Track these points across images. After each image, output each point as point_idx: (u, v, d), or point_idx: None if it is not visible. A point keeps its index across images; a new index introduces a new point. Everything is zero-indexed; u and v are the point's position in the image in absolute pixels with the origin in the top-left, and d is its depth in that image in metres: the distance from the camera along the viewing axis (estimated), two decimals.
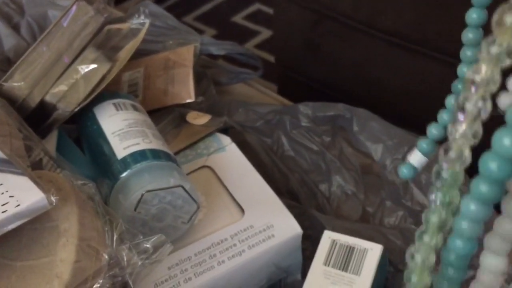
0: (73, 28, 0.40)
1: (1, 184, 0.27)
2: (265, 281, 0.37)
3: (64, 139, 0.41)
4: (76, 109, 0.39)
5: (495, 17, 0.16)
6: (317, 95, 0.52)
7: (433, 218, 0.20)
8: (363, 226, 0.40)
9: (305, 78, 0.74)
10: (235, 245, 0.35)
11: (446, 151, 0.18)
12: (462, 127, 0.17)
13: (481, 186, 0.17)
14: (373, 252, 0.34)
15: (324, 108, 0.46)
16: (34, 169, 0.33)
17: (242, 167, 0.41)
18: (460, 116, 0.17)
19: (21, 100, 0.39)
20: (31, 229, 0.28)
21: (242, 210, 0.38)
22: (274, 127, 0.47)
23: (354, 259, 0.34)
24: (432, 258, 0.20)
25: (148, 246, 0.29)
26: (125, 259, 0.28)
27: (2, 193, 0.27)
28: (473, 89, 0.16)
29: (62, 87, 0.39)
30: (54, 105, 0.39)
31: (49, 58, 0.39)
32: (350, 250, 0.34)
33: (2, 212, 0.26)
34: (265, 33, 1.20)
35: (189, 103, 0.47)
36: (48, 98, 0.39)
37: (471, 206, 0.18)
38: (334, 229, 0.36)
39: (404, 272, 0.21)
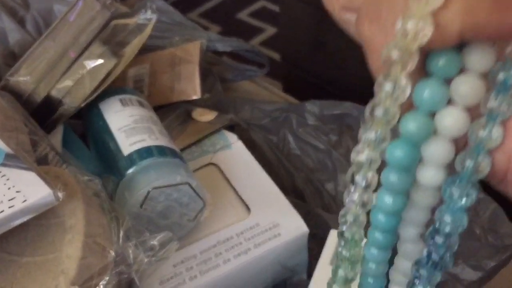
0: (79, 23, 0.40)
1: (8, 179, 0.27)
2: (270, 280, 0.37)
3: (69, 135, 0.41)
4: (82, 105, 0.39)
5: (366, 110, 0.18)
6: (322, 93, 0.52)
7: (340, 272, 0.21)
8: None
9: (310, 76, 0.74)
10: (240, 243, 0.35)
11: (344, 215, 0.20)
12: (355, 196, 0.19)
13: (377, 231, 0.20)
14: None
15: (331, 107, 0.46)
16: (40, 164, 0.33)
17: (248, 165, 0.41)
18: (352, 187, 0.19)
19: (27, 95, 0.39)
20: (37, 225, 0.28)
21: (248, 208, 0.37)
22: (280, 125, 0.47)
23: None
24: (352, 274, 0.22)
25: (154, 243, 0.29)
26: (131, 256, 0.28)
27: (9, 188, 0.26)
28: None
29: (68, 82, 0.39)
30: (60, 100, 0.39)
31: (55, 53, 0.39)
32: None
33: (9, 207, 0.26)
34: (270, 31, 1.20)
35: (195, 100, 0.47)
36: (54, 93, 0.39)
37: (372, 251, 0.20)
38: None
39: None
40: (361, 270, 0.21)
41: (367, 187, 0.19)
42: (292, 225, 0.36)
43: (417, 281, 0.19)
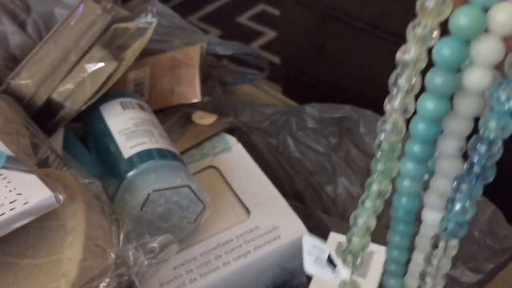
0: (80, 27, 0.40)
1: (9, 182, 0.27)
2: (270, 283, 0.37)
3: (70, 138, 0.41)
4: (83, 108, 0.39)
5: (418, 3, 0.18)
6: (322, 96, 0.52)
7: (374, 186, 0.21)
8: None
9: (310, 79, 0.74)
10: (240, 246, 0.35)
11: (383, 122, 0.20)
12: (396, 101, 0.19)
13: (414, 147, 0.20)
14: (379, 254, 0.34)
15: (331, 110, 0.46)
16: (41, 167, 0.33)
17: (247, 167, 0.41)
18: (394, 91, 0.19)
19: (28, 98, 0.39)
20: (38, 227, 0.28)
21: (248, 211, 0.38)
22: (280, 128, 0.47)
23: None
24: (373, 222, 0.22)
25: (154, 245, 0.29)
26: (131, 259, 0.28)
27: (10, 190, 0.27)
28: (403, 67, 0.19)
29: (69, 85, 0.39)
30: (60, 103, 0.39)
31: (56, 56, 0.39)
32: None
33: (10, 209, 0.26)
34: (270, 34, 1.20)
35: (195, 103, 0.47)
36: (55, 96, 0.39)
37: (408, 166, 0.20)
38: (339, 231, 0.36)
39: (347, 235, 0.23)
40: (396, 188, 0.21)
41: (409, 90, 0.18)
42: (292, 228, 0.36)
43: (457, 196, 0.19)
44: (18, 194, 0.26)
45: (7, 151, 0.29)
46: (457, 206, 0.19)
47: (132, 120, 0.38)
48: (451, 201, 0.19)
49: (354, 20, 0.63)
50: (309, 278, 0.37)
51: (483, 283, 0.35)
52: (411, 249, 0.24)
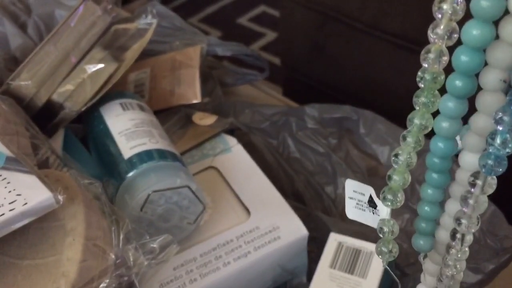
0: (80, 28, 0.40)
1: (9, 183, 0.27)
2: (270, 283, 0.37)
3: (70, 139, 0.41)
4: (83, 109, 0.39)
5: None
6: (322, 97, 0.52)
7: (416, 120, 0.21)
8: (369, 229, 0.40)
9: (310, 80, 0.74)
10: (240, 246, 0.35)
11: (427, 51, 0.20)
12: (440, 28, 0.19)
13: (456, 82, 0.19)
14: None
15: (330, 110, 0.46)
16: (41, 168, 0.33)
17: (248, 168, 0.41)
18: (438, 16, 0.19)
19: (28, 99, 0.39)
20: (38, 228, 0.28)
21: (248, 212, 0.38)
22: (280, 128, 0.47)
23: (360, 262, 0.34)
24: (414, 158, 0.22)
25: (154, 246, 0.29)
26: (131, 259, 0.28)
27: (10, 191, 0.27)
28: None
29: (69, 87, 0.39)
30: (61, 104, 0.39)
31: (56, 57, 0.39)
32: (356, 252, 0.34)
33: (10, 210, 0.26)
34: (270, 35, 1.20)
35: (195, 103, 0.47)
36: (55, 97, 0.39)
37: (448, 103, 0.20)
38: (340, 232, 0.36)
39: (387, 174, 0.23)
40: (434, 129, 0.21)
41: (453, 14, 0.18)
42: (292, 228, 0.36)
43: (500, 128, 0.19)
44: (17, 195, 0.26)
45: (7, 152, 0.29)
46: (498, 140, 0.19)
47: (132, 121, 0.38)
48: (491, 135, 0.19)
49: (354, 21, 0.63)
50: (309, 278, 0.37)
51: (483, 283, 0.34)
52: (442, 207, 0.24)
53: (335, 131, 0.46)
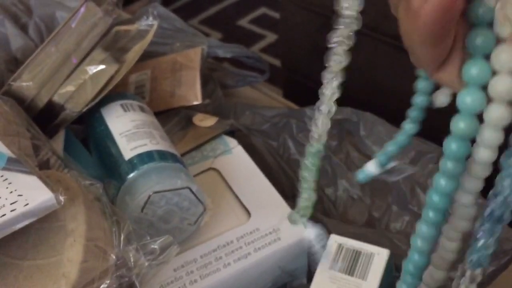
0: (81, 29, 0.40)
1: (10, 183, 0.27)
2: (270, 284, 0.37)
3: (71, 139, 0.41)
4: (84, 110, 0.39)
5: None
6: None
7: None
8: (369, 231, 0.40)
9: (310, 82, 0.74)
10: (241, 247, 0.35)
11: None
12: None
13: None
14: (379, 256, 0.34)
15: None
16: (42, 169, 0.33)
17: (248, 169, 0.41)
18: None
19: (29, 100, 0.39)
20: (39, 229, 0.28)
21: (248, 213, 0.38)
22: (280, 130, 0.47)
23: (360, 264, 0.34)
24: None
25: (155, 247, 0.29)
26: (132, 260, 0.28)
27: (11, 192, 0.27)
28: None
29: (70, 88, 0.39)
30: (62, 105, 0.39)
31: (57, 58, 0.40)
32: (357, 254, 0.34)
33: (11, 210, 0.26)
34: (270, 37, 1.20)
35: (195, 105, 0.47)
36: (56, 98, 0.39)
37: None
38: (340, 233, 0.36)
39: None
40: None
41: None
42: (292, 230, 0.36)
43: (480, 234, 0.21)
44: (19, 196, 0.27)
45: (8, 152, 0.29)
46: (480, 243, 0.21)
47: (133, 122, 0.38)
48: (474, 238, 0.21)
49: None
50: (309, 280, 0.37)
51: (484, 285, 0.34)
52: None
53: (335, 133, 0.46)
